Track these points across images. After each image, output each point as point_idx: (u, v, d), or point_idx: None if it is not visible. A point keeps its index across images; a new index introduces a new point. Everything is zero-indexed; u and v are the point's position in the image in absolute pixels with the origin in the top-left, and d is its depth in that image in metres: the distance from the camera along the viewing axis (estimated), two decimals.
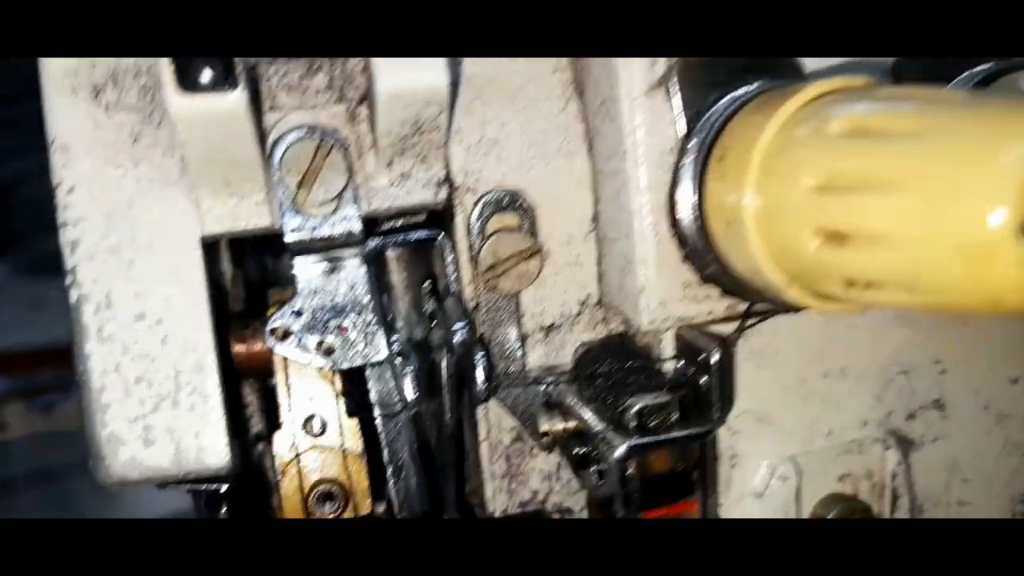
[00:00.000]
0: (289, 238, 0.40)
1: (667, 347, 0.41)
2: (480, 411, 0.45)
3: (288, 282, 0.48)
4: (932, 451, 0.45)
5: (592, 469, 0.38)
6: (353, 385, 0.45)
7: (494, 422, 0.45)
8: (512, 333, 0.43)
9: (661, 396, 0.37)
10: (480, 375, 0.40)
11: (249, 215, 0.39)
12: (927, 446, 0.45)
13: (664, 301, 0.39)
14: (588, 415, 0.39)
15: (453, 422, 0.44)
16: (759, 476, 0.42)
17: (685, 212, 0.38)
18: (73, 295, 0.38)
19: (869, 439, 0.43)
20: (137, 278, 0.38)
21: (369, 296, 0.43)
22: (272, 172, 0.39)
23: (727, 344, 0.38)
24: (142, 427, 0.38)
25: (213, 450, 0.39)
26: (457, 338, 0.39)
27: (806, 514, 0.43)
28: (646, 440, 0.36)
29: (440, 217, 0.44)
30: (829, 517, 0.43)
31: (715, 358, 0.37)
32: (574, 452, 0.39)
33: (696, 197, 0.37)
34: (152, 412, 0.38)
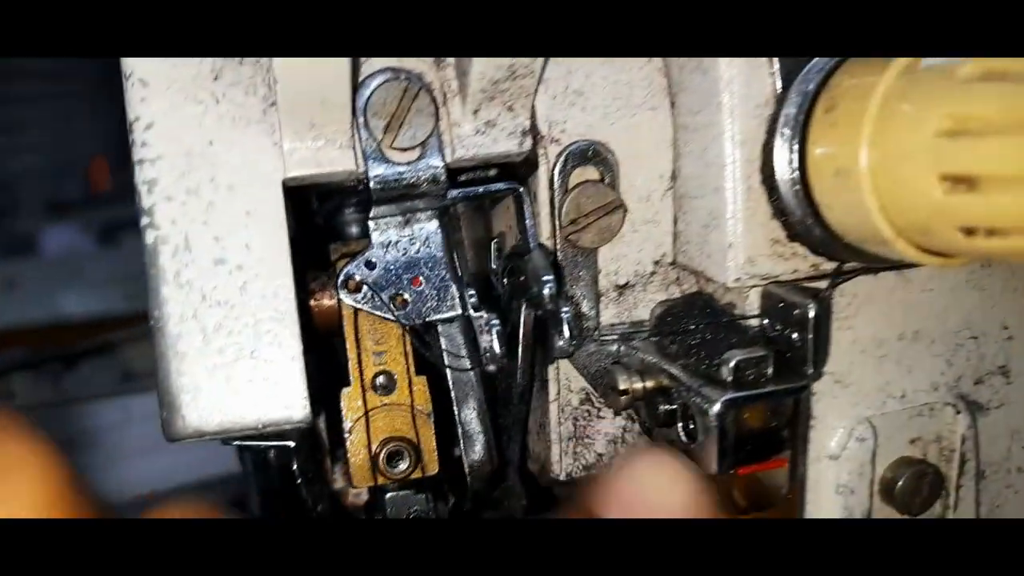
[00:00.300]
0: (373, 184, 0.38)
1: (751, 305, 0.40)
2: (551, 371, 0.44)
3: (348, 237, 0.47)
4: (996, 417, 0.46)
5: (680, 426, 0.38)
6: (422, 342, 0.43)
7: (564, 383, 0.44)
8: (588, 290, 0.43)
9: (757, 350, 0.36)
10: (566, 330, 0.39)
11: (332, 159, 0.38)
12: (992, 412, 0.45)
13: (751, 258, 0.39)
14: (676, 371, 0.38)
15: (526, 381, 0.43)
16: (836, 438, 0.42)
17: (781, 165, 0.37)
18: (149, 236, 0.36)
19: (940, 403, 0.43)
20: (216, 221, 0.37)
21: (442, 250, 0.42)
22: (358, 115, 0.38)
23: (823, 299, 0.37)
24: (222, 377, 0.37)
25: (293, 403, 0.37)
26: (546, 291, 0.39)
27: (878, 476, 0.43)
28: (745, 394, 0.35)
29: (513, 171, 0.43)
30: (900, 482, 0.43)
31: (812, 313, 0.36)
32: (659, 410, 0.39)
33: (796, 150, 0.36)
34: (232, 362, 0.37)
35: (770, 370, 0.36)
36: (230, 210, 0.37)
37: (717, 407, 0.35)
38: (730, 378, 0.36)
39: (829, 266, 0.40)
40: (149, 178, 0.36)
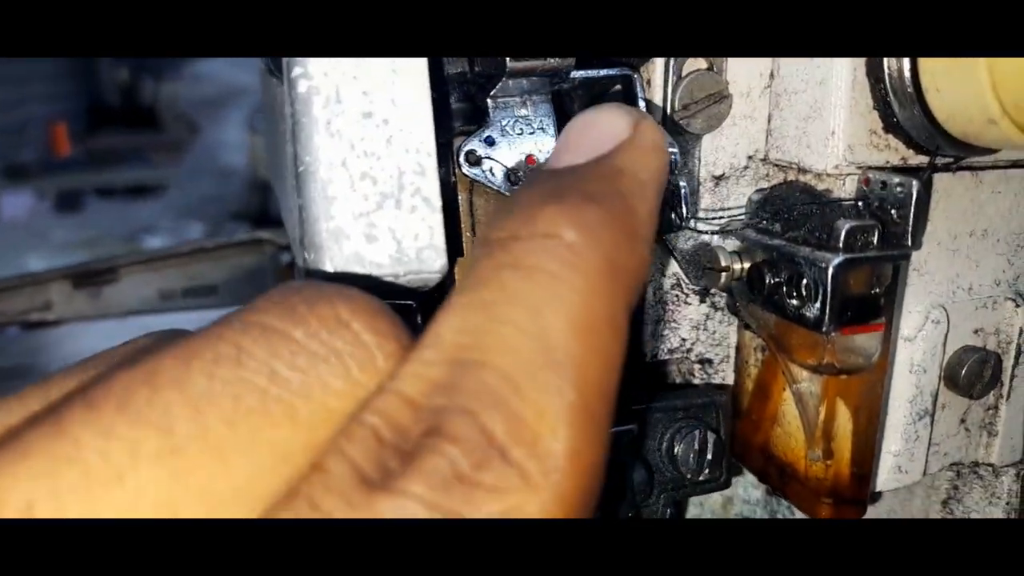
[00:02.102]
0: (511, 59, 0.40)
1: (848, 191, 0.43)
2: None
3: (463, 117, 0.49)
4: None
5: (786, 292, 0.41)
6: None
7: (658, 267, 0.47)
8: (690, 177, 0.45)
9: (865, 220, 0.39)
10: (684, 203, 0.42)
11: None
12: None
13: (851, 146, 0.42)
14: (783, 243, 0.41)
15: None
16: (912, 321, 0.45)
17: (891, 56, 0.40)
18: (302, 86, 0.38)
19: (1001, 297, 0.47)
20: (365, 76, 0.38)
21: (556, 132, 0.44)
22: None
23: (926, 180, 0.41)
24: (365, 223, 0.38)
25: (431, 253, 0.39)
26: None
27: (944, 361, 0.47)
28: (857, 256, 0.39)
29: (619, 61, 0.45)
30: (965, 367, 0.46)
31: (915, 190, 0.40)
32: (765, 282, 0.42)
33: None
34: (376, 210, 0.38)
35: (875, 239, 0.39)
36: (377, 67, 0.39)
37: (833, 267, 0.38)
38: (841, 243, 0.39)
39: (916, 160, 0.43)
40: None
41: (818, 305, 0.39)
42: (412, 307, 0.42)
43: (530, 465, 0.20)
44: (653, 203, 0.28)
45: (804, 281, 0.40)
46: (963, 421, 0.49)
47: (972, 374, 0.46)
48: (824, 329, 0.39)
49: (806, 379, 0.43)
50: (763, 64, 0.45)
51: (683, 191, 0.42)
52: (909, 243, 0.40)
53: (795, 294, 0.40)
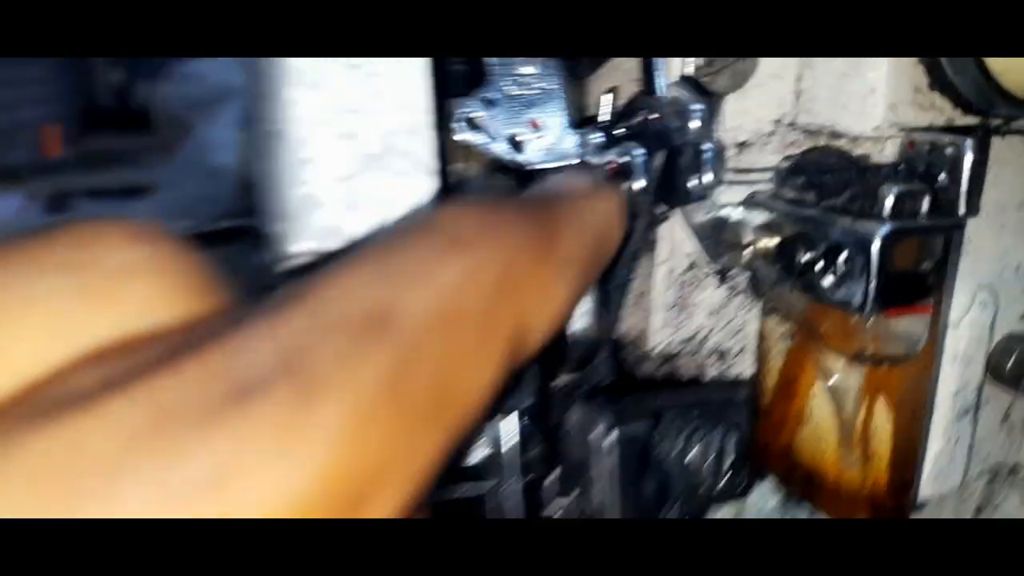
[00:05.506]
0: None
1: (888, 155, 0.39)
2: (662, 230, 0.42)
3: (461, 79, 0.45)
4: None
5: (822, 268, 0.36)
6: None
7: (675, 245, 0.42)
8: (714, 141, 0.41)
9: (914, 184, 0.35)
10: (708, 170, 0.37)
11: None
12: None
13: (894, 104, 0.38)
14: (819, 214, 0.37)
15: (642, 238, 0.41)
16: (958, 303, 0.41)
17: None
18: None
19: None
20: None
21: (563, 91, 0.40)
22: None
23: (980, 140, 0.36)
24: (344, 190, 0.34)
25: None
26: (696, 121, 0.36)
27: (990, 347, 0.42)
28: (905, 225, 0.34)
29: None
30: (1012, 356, 0.42)
31: (968, 151, 0.35)
32: (798, 259, 0.37)
33: None
34: (358, 174, 0.34)
35: (925, 206, 0.35)
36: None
37: (879, 239, 0.34)
38: (888, 211, 0.34)
39: (963, 121, 0.39)
40: None
41: (860, 283, 0.35)
42: None
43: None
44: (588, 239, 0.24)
45: (844, 256, 0.35)
46: (1006, 419, 0.45)
47: (1020, 364, 0.42)
48: (866, 311, 0.34)
49: (842, 371, 0.38)
50: None
51: (705, 155, 0.37)
52: (962, 211, 0.36)
53: (832, 271, 0.36)
